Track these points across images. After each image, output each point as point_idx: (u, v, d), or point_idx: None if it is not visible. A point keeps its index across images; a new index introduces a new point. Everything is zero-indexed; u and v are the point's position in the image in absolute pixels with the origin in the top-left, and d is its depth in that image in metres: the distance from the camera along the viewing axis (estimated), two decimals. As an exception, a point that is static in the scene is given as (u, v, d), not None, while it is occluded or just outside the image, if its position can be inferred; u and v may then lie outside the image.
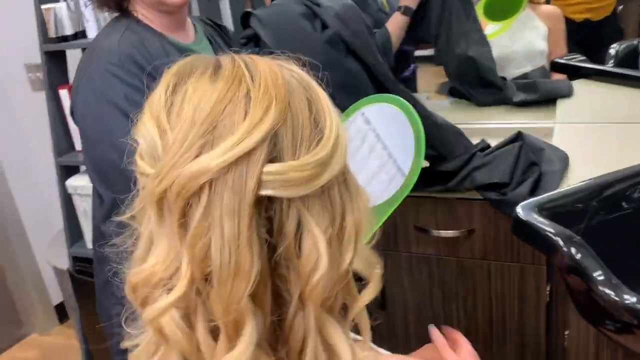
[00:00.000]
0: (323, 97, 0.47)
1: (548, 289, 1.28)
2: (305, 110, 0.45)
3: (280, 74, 0.46)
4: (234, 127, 0.42)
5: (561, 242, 0.83)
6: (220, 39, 1.21)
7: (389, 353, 0.72)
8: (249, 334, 0.42)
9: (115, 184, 0.91)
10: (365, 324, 0.51)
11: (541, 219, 0.89)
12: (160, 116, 0.44)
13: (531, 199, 0.96)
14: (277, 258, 0.44)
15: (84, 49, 2.00)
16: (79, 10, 1.82)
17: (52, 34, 1.83)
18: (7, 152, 2.28)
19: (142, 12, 1.07)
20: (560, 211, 0.95)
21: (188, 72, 0.46)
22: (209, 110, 0.42)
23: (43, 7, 1.79)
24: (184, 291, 0.42)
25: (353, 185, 0.49)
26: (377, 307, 1.46)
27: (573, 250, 0.81)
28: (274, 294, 0.44)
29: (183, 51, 1.01)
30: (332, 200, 0.46)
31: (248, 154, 0.41)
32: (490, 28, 1.73)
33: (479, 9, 1.65)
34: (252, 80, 0.44)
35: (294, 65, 0.49)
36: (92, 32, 1.81)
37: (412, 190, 1.00)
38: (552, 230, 0.86)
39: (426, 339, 0.83)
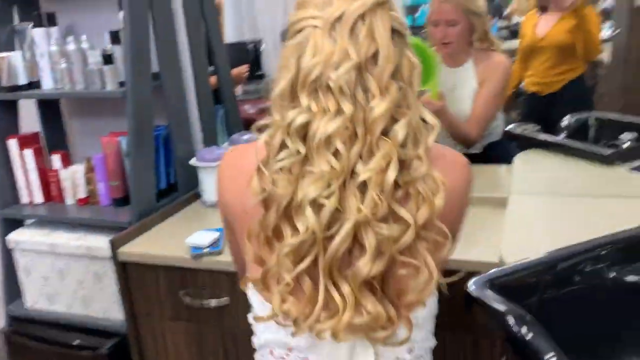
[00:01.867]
0: None
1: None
2: None
3: None
4: None
5: (512, 321, 0.80)
6: None
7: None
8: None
9: None
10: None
11: (494, 295, 0.87)
12: None
13: (484, 274, 0.94)
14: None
15: (38, 100, 1.96)
16: (34, 60, 1.78)
17: (4, 82, 1.78)
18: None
19: None
20: (514, 285, 0.93)
21: None
22: None
23: (-3, 55, 1.76)
24: (352, 65, 0.70)
25: None
26: None
27: (524, 330, 0.78)
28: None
29: None
30: None
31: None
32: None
33: None
34: None
35: None
36: (46, 83, 1.77)
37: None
38: (503, 308, 0.83)
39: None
